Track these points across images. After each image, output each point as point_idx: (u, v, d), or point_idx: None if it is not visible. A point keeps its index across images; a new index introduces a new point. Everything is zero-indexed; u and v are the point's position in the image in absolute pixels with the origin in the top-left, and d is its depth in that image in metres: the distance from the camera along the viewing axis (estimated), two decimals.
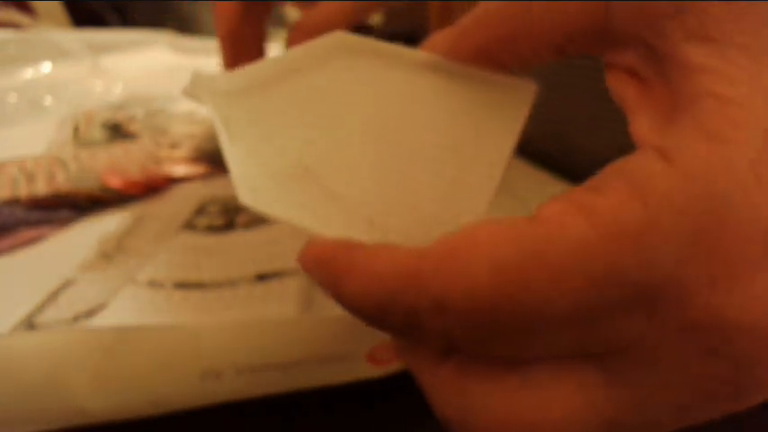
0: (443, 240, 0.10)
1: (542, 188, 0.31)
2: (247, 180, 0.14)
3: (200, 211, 0.27)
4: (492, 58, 0.12)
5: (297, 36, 0.29)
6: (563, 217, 0.09)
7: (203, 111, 0.42)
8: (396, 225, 0.13)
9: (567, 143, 0.32)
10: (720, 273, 0.08)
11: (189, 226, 0.26)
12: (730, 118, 0.09)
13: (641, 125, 0.10)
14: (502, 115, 0.13)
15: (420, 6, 0.35)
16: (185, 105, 0.43)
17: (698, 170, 0.09)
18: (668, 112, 0.10)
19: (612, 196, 0.09)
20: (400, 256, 0.11)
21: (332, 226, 0.13)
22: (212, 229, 0.26)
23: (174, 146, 0.35)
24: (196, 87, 0.15)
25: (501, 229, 0.10)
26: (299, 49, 0.14)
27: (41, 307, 0.20)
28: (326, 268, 0.12)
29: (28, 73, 0.47)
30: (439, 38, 0.13)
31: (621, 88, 0.11)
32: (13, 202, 0.27)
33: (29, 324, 0.19)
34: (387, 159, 0.13)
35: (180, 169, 0.32)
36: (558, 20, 0.11)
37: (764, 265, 0.08)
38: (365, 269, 0.11)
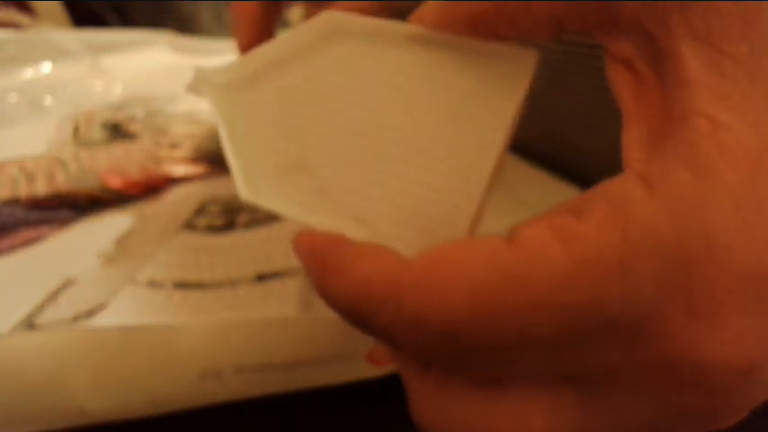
0: (425, 255, 0.10)
1: (542, 188, 0.31)
2: (247, 174, 0.14)
3: (200, 211, 0.27)
4: (485, 30, 0.12)
5: None
6: (543, 242, 0.09)
7: (203, 111, 0.42)
8: (386, 216, 0.13)
9: (565, 143, 0.32)
10: (697, 310, 0.08)
11: (189, 226, 0.26)
12: (720, 146, 0.08)
13: (632, 140, 0.10)
14: (498, 88, 0.12)
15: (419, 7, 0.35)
16: (185, 105, 0.43)
17: (681, 203, 0.08)
18: (660, 123, 0.10)
19: (593, 223, 0.09)
20: (383, 263, 0.11)
21: (325, 222, 0.13)
22: (212, 229, 0.26)
23: (174, 146, 0.35)
24: (198, 82, 0.15)
25: (481, 248, 0.10)
26: (293, 36, 0.14)
27: (41, 307, 0.20)
28: (315, 262, 0.12)
29: (28, 73, 0.47)
30: (426, 8, 0.13)
31: (619, 85, 0.11)
32: (13, 202, 0.27)
33: (29, 324, 0.19)
34: (380, 147, 0.13)
35: (180, 169, 0.32)
36: None
37: (740, 307, 0.08)
38: (348, 272, 0.11)
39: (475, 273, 0.09)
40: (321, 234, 0.12)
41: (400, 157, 0.13)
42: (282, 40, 0.14)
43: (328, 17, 0.14)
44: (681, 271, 0.08)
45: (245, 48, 0.29)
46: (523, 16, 0.11)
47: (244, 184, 0.14)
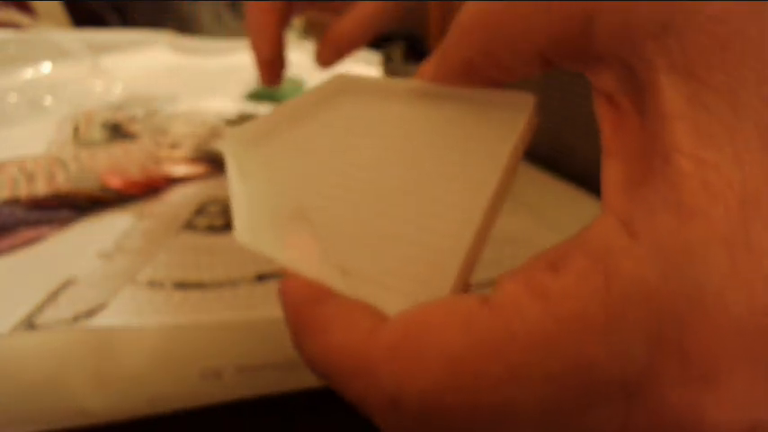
0: (399, 320, 0.10)
1: (543, 190, 0.31)
2: (247, 219, 0.14)
3: (201, 211, 0.27)
4: (478, 76, 0.12)
5: (326, 48, 0.30)
6: (520, 302, 0.09)
7: (203, 111, 0.42)
8: (375, 263, 0.13)
9: (563, 143, 0.32)
10: (692, 368, 0.08)
11: (189, 226, 0.26)
12: (705, 185, 0.08)
13: (611, 179, 0.10)
14: (492, 134, 0.12)
15: (420, 6, 0.35)
16: (185, 105, 0.43)
17: (667, 249, 0.08)
18: (641, 160, 0.09)
19: (572, 276, 0.08)
20: (356, 330, 0.10)
21: (312, 271, 0.13)
22: (212, 229, 0.26)
23: (174, 146, 0.35)
24: (224, 141, 0.16)
25: (456, 313, 0.09)
26: (306, 97, 0.15)
27: (41, 307, 0.20)
28: (293, 318, 0.12)
29: (28, 73, 0.47)
30: (425, 65, 0.13)
31: (602, 119, 0.10)
32: (13, 202, 0.27)
33: (29, 324, 0.19)
34: (375, 195, 0.13)
35: (180, 169, 0.32)
36: (537, 26, 0.10)
37: (738, 362, 0.08)
38: (321, 337, 0.11)
39: (450, 341, 0.09)
40: (303, 286, 0.12)
41: (394, 203, 0.13)
42: (296, 101, 0.15)
43: (338, 79, 0.14)
44: (672, 326, 0.08)
45: (265, 54, 0.29)
46: (509, 58, 0.11)
47: (242, 228, 0.14)
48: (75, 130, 0.37)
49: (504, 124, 0.12)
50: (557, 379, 0.08)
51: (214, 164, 0.33)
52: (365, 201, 0.13)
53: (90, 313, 0.19)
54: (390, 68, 0.43)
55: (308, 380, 0.19)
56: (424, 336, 0.09)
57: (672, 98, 0.08)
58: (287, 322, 0.12)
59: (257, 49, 0.29)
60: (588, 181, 0.30)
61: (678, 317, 0.08)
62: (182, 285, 0.21)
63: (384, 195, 0.13)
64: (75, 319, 0.19)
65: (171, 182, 0.31)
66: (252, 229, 0.14)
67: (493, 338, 0.09)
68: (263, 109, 0.44)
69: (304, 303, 0.12)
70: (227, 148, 0.16)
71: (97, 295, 0.20)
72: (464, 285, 0.12)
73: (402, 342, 0.09)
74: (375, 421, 0.10)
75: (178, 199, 0.29)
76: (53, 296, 0.20)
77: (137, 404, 0.18)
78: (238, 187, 0.15)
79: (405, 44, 0.42)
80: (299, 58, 0.51)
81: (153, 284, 0.21)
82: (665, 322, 0.08)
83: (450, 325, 0.09)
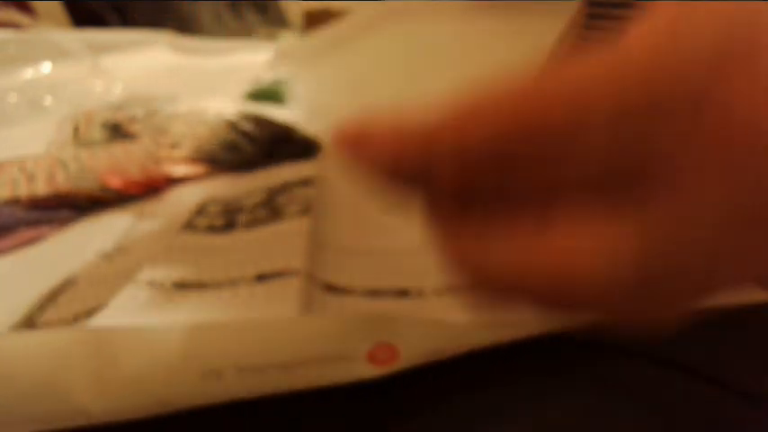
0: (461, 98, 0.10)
1: None
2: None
3: (201, 211, 0.27)
4: None
5: None
6: (586, 57, 0.09)
7: (203, 111, 0.42)
8: None
9: None
10: (759, 83, 0.08)
11: (189, 226, 0.26)
12: None
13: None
14: (537, 31, 0.14)
15: None
16: (185, 105, 0.43)
17: (726, 5, 0.08)
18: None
19: (632, 34, 0.09)
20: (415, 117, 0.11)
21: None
22: (212, 229, 0.26)
23: (174, 146, 0.35)
24: (278, 55, 0.18)
25: (512, 79, 0.10)
26: (355, 20, 0.16)
27: (41, 307, 0.20)
28: (347, 141, 0.12)
29: (28, 73, 0.47)
30: None
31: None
32: (13, 202, 0.27)
33: (29, 324, 0.19)
34: (421, 82, 0.15)
35: (180, 169, 0.32)
36: None
37: None
38: (380, 133, 0.11)
39: (516, 84, 0.09)
40: (354, 122, 0.12)
41: (438, 88, 0.14)
42: (347, 20, 0.17)
43: (386, 5, 0.16)
44: (731, 55, 0.08)
45: None
46: None
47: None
48: (75, 130, 0.37)
49: (548, 23, 0.14)
50: (623, 95, 0.09)
51: (214, 164, 0.33)
52: (418, 94, 0.15)
53: (90, 313, 0.19)
54: None
55: (308, 380, 0.19)
56: (485, 94, 0.10)
57: None
58: (342, 155, 0.12)
59: None
60: None
61: (735, 45, 0.08)
62: (182, 285, 0.21)
63: (434, 89, 0.14)
64: (76, 319, 0.19)
65: (171, 182, 0.30)
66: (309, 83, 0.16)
67: (559, 77, 0.09)
68: (263, 109, 0.44)
69: (362, 121, 0.12)
70: (282, 57, 0.17)
71: (97, 295, 0.20)
72: None
73: (465, 100, 0.10)
74: (437, 179, 0.10)
75: (178, 199, 0.29)
76: (53, 296, 0.20)
77: (137, 404, 0.18)
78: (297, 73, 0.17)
79: None
80: None
81: (153, 284, 0.21)
82: (724, 51, 0.08)
83: (518, 83, 0.10)
